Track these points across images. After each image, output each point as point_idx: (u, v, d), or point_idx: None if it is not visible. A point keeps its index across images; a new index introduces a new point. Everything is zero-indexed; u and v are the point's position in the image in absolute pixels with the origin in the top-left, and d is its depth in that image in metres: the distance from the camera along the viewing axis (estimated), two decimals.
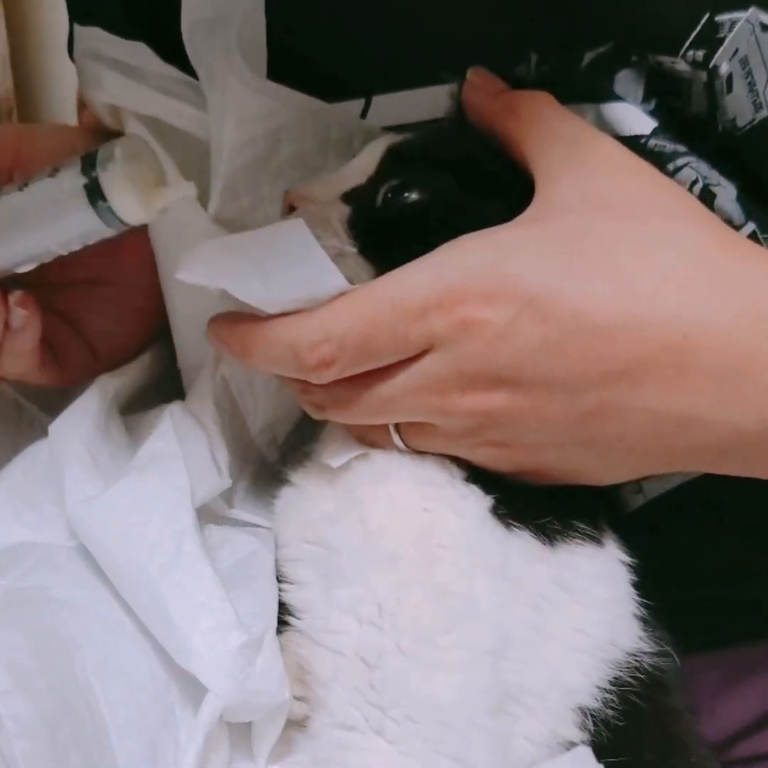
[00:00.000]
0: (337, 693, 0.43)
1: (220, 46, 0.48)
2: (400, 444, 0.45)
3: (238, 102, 0.48)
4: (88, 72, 0.54)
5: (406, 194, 0.46)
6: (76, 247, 0.48)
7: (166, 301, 0.54)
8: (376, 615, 0.42)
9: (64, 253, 0.48)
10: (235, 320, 0.44)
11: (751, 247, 0.42)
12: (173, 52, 0.51)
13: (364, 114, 0.51)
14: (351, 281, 0.42)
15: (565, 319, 0.40)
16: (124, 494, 0.46)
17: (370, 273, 0.44)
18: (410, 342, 0.41)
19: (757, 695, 0.59)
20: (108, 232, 0.46)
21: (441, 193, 0.46)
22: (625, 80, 0.47)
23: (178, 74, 0.51)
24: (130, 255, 0.55)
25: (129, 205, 0.45)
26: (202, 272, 0.43)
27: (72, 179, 0.45)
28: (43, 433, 0.51)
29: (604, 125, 0.48)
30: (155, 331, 0.57)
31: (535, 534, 0.44)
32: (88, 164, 0.45)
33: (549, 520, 0.44)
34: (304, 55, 0.49)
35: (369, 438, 0.46)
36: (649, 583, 0.46)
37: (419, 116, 0.50)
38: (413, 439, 0.44)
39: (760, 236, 0.48)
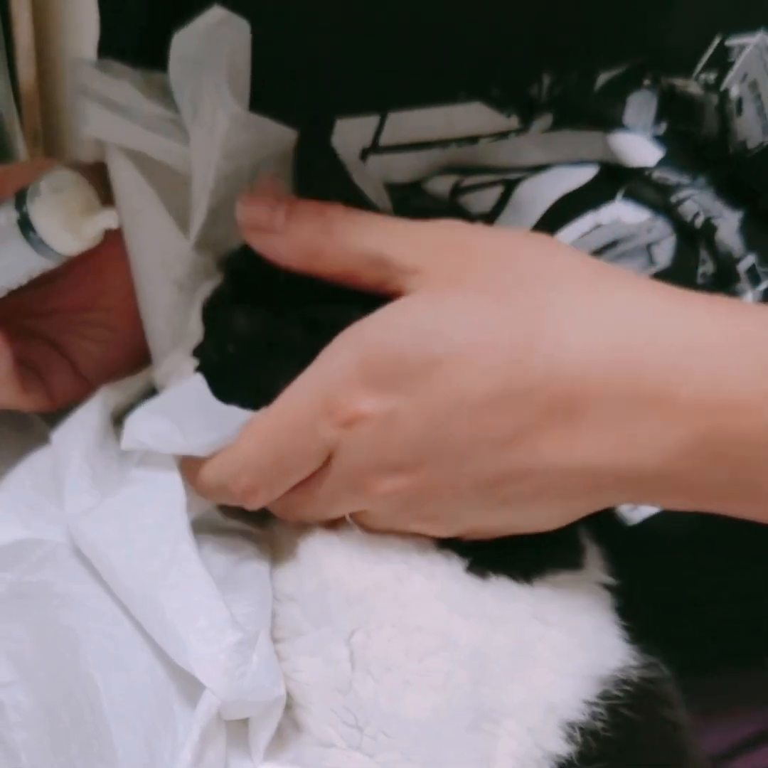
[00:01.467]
0: (314, 715, 0.44)
1: (208, 82, 0.49)
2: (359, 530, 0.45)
3: (226, 137, 0.49)
4: (78, 106, 0.54)
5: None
6: (24, 281, 0.50)
7: (144, 327, 0.55)
8: (343, 651, 0.43)
9: (14, 287, 0.50)
10: (187, 467, 0.46)
11: (636, 286, 0.41)
12: None
13: (379, 131, 0.51)
14: None
15: (442, 401, 0.40)
16: (120, 504, 0.47)
17: None
18: (313, 454, 0.42)
19: (736, 723, 0.59)
20: (46, 263, 0.49)
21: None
22: (637, 103, 0.48)
23: (162, 112, 0.52)
24: (114, 280, 0.55)
25: (58, 235, 0.48)
26: (138, 439, 0.46)
27: (7, 214, 0.48)
28: (46, 441, 0.52)
29: (610, 155, 0.48)
30: (145, 354, 0.57)
31: (513, 578, 0.44)
32: (20, 199, 0.48)
33: (529, 560, 0.44)
34: (321, 69, 0.50)
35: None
36: (639, 598, 0.46)
37: (433, 135, 0.51)
38: (364, 523, 0.45)
39: (758, 270, 0.48)
